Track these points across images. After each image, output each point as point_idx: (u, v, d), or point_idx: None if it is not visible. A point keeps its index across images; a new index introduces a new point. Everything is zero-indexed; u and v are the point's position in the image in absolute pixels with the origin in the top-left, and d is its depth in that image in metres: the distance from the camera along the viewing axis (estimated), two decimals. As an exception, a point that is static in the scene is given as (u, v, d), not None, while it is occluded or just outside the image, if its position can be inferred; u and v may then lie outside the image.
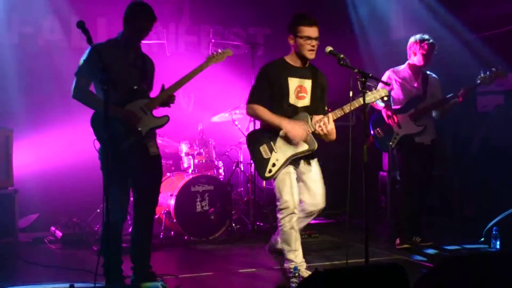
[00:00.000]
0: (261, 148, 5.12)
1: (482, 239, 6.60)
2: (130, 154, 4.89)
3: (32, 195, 7.44)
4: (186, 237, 7.02)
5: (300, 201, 5.20)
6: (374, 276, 3.49)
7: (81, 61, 4.97)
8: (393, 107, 6.71)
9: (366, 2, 9.22)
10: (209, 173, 7.44)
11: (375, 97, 5.12)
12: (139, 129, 4.93)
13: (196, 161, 7.43)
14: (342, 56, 4.81)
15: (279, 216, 5.17)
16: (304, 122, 5.11)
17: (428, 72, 6.77)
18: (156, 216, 7.26)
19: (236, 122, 7.96)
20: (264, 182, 7.99)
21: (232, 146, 8.19)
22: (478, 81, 6.48)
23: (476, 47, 7.96)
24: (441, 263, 3.73)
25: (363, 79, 4.55)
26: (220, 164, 7.85)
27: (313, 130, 5.09)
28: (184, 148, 7.59)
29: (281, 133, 5.08)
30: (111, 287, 4.63)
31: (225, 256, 6.56)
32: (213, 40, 8.38)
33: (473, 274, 3.59)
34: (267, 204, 8.10)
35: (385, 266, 3.83)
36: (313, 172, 5.24)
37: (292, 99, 5.15)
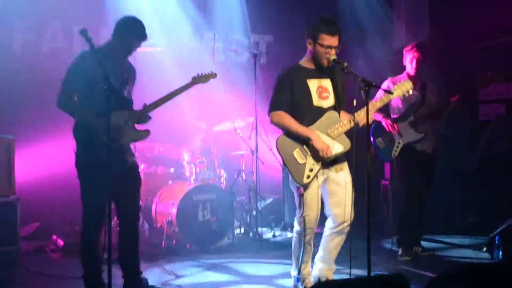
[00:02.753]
0: (294, 153, 4.90)
1: (485, 248, 6.58)
2: (109, 163, 4.88)
3: (34, 203, 7.42)
4: (188, 246, 7.00)
5: (330, 215, 5.05)
6: (377, 287, 3.48)
7: (68, 69, 4.97)
8: (392, 116, 6.71)
9: (369, 9, 9.24)
10: (211, 182, 7.42)
11: (402, 90, 5.03)
12: (122, 142, 4.94)
13: (198, 169, 7.42)
14: (346, 64, 4.76)
15: (297, 226, 5.03)
16: (334, 127, 4.93)
17: (426, 81, 6.78)
18: (158, 225, 7.28)
19: (239, 131, 7.95)
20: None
21: (234, 154, 8.17)
22: (477, 80, 6.48)
23: (480, 56, 7.98)
24: (443, 274, 3.71)
25: (367, 88, 4.51)
26: (223, 172, 7.84)
27: (346, 129, 4.92)
28: (186, 156, 7.58)
29: (311, 142, 4.87)
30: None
31: (228, 265, 6.54)
32: (216, 47, 8.39)
33: (475, 284, 3.57)
34: (269, 213, 8.09)
35: (388, 277, 3.82)
36: (344, 181, 5.02)
37: (316, 101, 4.97)
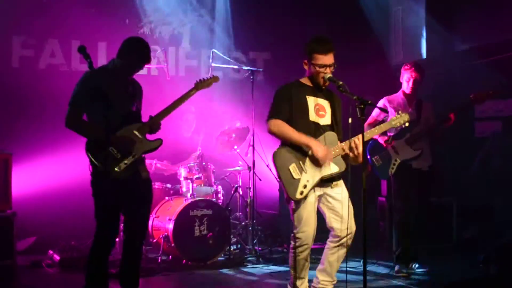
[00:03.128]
0: (290, 167, 4.91)
1: (481, 264, 6.58)
2: (123, 178, 4.91)
3: (30, 218, 7.43)
4: (184, 262, 6.99)
5: (331, 229, 5.06)
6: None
7: (75, 90, 4.98)
8: (389, 134, 6.73)
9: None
10: (207, 198, 7.43)
11: (400, 122, 5.07)
12: (133, 153, 4.95)
13: (195, 185, 7.42)
14: (341, 83, 4.80)
15: (293, 243, 5.00)
16: (331, 149, 4.96)
17: (421, 99, 6.82)
18: (154, 240, 7.28)
19: (235, 147, 7.97)
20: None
21: (231, 170, 8.19)
22: (471, 96, 6.50)
23: (479, 71, 8.02)
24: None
25: (362, 106, 4.53)
26: (219, 188, 7.85)
27: (342, 152, 4.94)
28: (183, 172, 7.59)
29: (310, 152, 4.89)
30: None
31: (224, 280, 6.55)
32: (213, 65, 8.44)
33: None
34: (265, 228, 8.09)
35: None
36: (341, 195, 5.05)
37: (313, 117, 5.01)
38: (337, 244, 5.03)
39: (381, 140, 6.66)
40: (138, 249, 5.22)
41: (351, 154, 4.87)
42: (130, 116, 5.08)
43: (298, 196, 4.87)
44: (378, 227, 8.27)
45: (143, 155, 5.17)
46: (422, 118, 6.69)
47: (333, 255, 5.07)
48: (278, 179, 5.00)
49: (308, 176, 4.90)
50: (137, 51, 5.05)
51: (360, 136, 4.82)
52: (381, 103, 6.69)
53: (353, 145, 4.84)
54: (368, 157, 6.80)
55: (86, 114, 5.00)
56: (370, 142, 6.79)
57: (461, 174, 8.34)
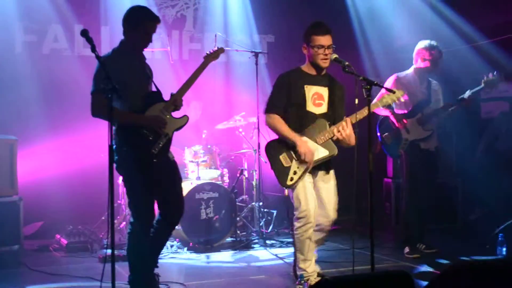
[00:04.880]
0: (281, 157, 5.12)
1: (488, 246, 6.59)
2: (158, 160, 4.87)
3: (37, 203, 7.45)
4: (191, 244, 7.01)
5: None
6: (381, 283, 3.48)
7: (94, 78, 4.87)
8: (398, 111, 6.70)
9: (368, 9, 9.24)
10: (213, 181, 7.43)
11: (392, 99, 5.10)
12: (166, 132, 4.92)
13: (200, 168, 7.42)
14: (347, 63, 4.80)
15: (297, 224, 5.12)
16: (321, 134, 5.10)
17: (430, 79, 6.79)
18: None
19: (240, 130, 7.96)
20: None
21: (236, 153, 8.18)
22: (483, 84, 6.48)
23: (486, 52, 7.97)
24: (446, 271, 3.71)
25: (368, 87, 4.52)
26: (225, 171, 7.85)
27: (331, 136, 5.07)
28: (188, 155, 7.59)
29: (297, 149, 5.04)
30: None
31: (231, 263, 6.57)
32: (216, 48, 8.37)
33: (479, 281, 3.57)
34: (271, 211, 8.10)
35: (392, 274, 3.80)
36: (329, 183, 5.23)
37: (310, 107, 5.14)
38: (317, 228, 5.21)
39: (393, 118, 6.63)
40: (171, 231, 5.27)
41: (340, 137, 5.03)
42: (152, 96, 5.03)
43: (288, 182, 5.08)
44: (383, 208, 8.27)
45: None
46: (432, 99, 6.67)
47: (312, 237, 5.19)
48: (271, 169, 5.18)
49: (298, 163, 5.07)
50: (144, 15, 4.97)
51: (348, 119, 5.04)
52: (391, 79, 6.66)
53: (340, 128, 5.02)
54: (378, 134, 6.78)
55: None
56: (380, 119, 6.77)
57: (467, 155, 8.32)
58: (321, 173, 5.21)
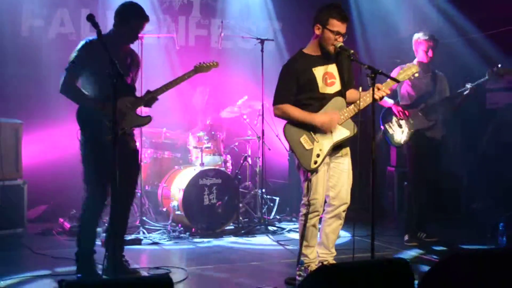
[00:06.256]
0: (301, 139, 4.91)
1: (489, 235, 6.60)
2: (113, 147, 4.93)
3: (41, 186, 7.48)
4: (193, 230, 7.04)
5: (326, 197, 5.08)
6: (379, 271, 3.50)
7: (72, 56, 5.03)
8: (402, 103, 6.72)
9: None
10: (217, 167, 7.46)
11: (408, 74, 5.05)
12: (122, 126, 5.00)
13: (204, 154, 7.45)
14: (352, 51, 4.75)
15: (303, 210, 5.02)
16: (339, 110, 4.94)
17: (436, 70, 6.80)
18: (164, 209, 7.35)
19: (245, 116, 7.98)
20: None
21: (240, 140, 8.20)
22: (487, 76, 6.48)
23: (485, 45, 7.95)
24: (446, 259, 3.72)
25: (373, 75, 4.50)
26: (228, 157, 7.88)
27: (354, 113, 4.91)
28: (192, 141, 7.61)
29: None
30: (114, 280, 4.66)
31: (232, 248, 6.60)
32: (223, 34, 8.40)
33: (478, 270, 3.58)
34: (273, 197, 8.13)
35: (390, 261, 3.84)
36: (344, 164, 5.07)
37: (323, 88, 4.95)
38: (332, 215, 5.07)
39: (395, 109, 6.64)
40: (124, 215, 5.31)
41: (377, 97, 4.77)
42: (125, 88, 5.05)
43: (312, 166, 4.89)
44: (386, 196, 8.28)
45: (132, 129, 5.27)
46: (436, 90, 6.68)
47: (329, 227, 5.11)
48: (292, 152, 5.01)
49: (320, 144, 4.92)
50: (135, 13, 5.06)
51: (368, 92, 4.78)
52: (395, 72, 6.65)
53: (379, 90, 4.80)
54: (381, 125, 6.79)
55: (82, 81, 5.06)
56: (383, 110, 6.78)
57: (471, 145, 8.32)
58: (337, 154, 5.05)
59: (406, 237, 6.69)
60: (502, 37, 7.75)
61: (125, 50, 5.18)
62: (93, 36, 5.03)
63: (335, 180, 5.04)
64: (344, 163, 5.07)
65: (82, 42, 5.08)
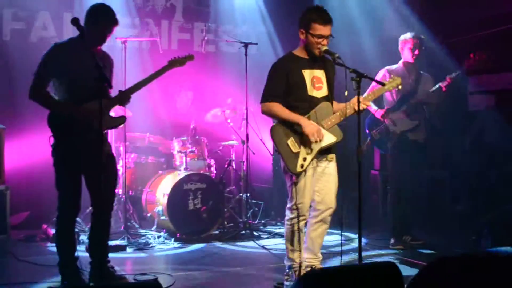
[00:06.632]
0: (289, 141, 4.88)
1: (474, 237, 6.63)
2: (85, 151, 4.89)
3: (24, 192, 7.42)
4: (178, 235, 7.00)
5: (312, 202, 5.05)
6: (368, 275, 3.50)
7: (41, 61, 4.98)
8: (387, 106, 6.75)
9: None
10: (201, 171, 7.43)
11: (393, 85, 5.06)
12: (96, 128, 4.92)
13: (188, 159, 7.42)
14: (337, 55, 4.75)
15: (289, 214, 4.99)
16: (328, 118, 4.94)
17: (421, 71, 6.83)
18: (148, 214, 7.31)
19: (229, 121, 7.95)
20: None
21: (224, 144, 8.18)
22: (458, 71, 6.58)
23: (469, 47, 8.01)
24: (433, 263, 3.73)
25: (358, 79, 4.51)
26: (212, 162, 7.85)
27: (340, 120, 4.90)
28: (176, 146, 7.58)
29: (301, 130, 4.86)
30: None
31: (218, 253, 6.58)
32: (206, 38, 8.38)
33: (465, 274, 3.60)
34: (258, 202, 8.12)
35: (379, 265, 3.83)
36: (331, 170, 5.05)
37: (310, 91, 4.94)
38: (318, 219, 5.05)
39: (378, 114, 6.68)
40: (104, 220, 5.24)
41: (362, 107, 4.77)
42: (97, 90, 4.91)
43: (298, 169, 4.87)
44: (370, 200, 8.31)
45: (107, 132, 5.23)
46: (420, 89, 6.70)
47: (314, 231, 5.09)
48: (278, 154, 4.97)
49: (307, 148, 4.89)
50: (105, 16, 5.00)
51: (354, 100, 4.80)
52: (381, 73, 6.69)
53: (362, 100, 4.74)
54: (367, 131, 6.81)
55: (52, 85, 5.01)
56: (368, 116, 6.81)
57: (454, 148, 8.38)
58: (323, 159, 5.02)
59: (392, 240, 6.72)
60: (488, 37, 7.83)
61: (96, 52, 5.07)
62: (62, 39, 5.01)
63: (321, 184, 5.02)
64: (329, 167, 5.05)
65: (50, 46, 5.03)
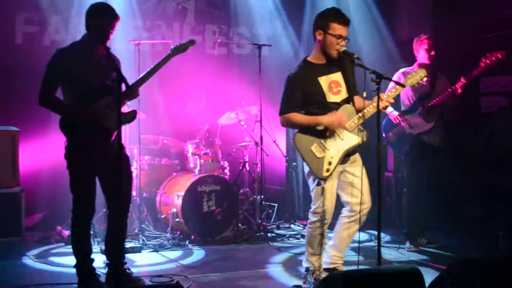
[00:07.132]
0: (312, 148, 4.88)
1: (490, 240, 6.61)
2: (100, 153, 4.93)
3: (38, 194, 7.44)
4: (192, 237, 7.00)
5: (347, 204, 5.04)
6: (391, 280, 3.50)
7: (47, 68, 4.99)
8: (403, 109, 6.73)
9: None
10: (215, 173, 7.43)
11: (416, 79, 4.96)
12: (108, 126, 4.93)
13: (202, 161, 7.42)
14: (356, 56, 4.73)
15: (312, 218, 4.99)
16: (351, 121, 4.91)
17: (437, 72, 6.80)
18: (163, 216, 7.31)
19: (243, 123, 7.95)
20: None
21: (238, 146, 8.17)
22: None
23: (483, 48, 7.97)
24: (454, 265, 3.72)
25: (378, 80, 4.48)
26: (226, 164, 7.84)
27: (362, 120, 4.88)
28: (190, 148, 7.58)
29: (321, 127, 4.86)
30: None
31: (233, 255, 6.58)
32: (218, 40, 8.38)
33: (483, 276, 3.58)
34: (272, 204, 8.11)
35: (401, 270, 3.82)
36: (359, 169, 5.01)
37: (330, 97, 4.93)
38: (351, 219, 5.02)
39: (392, 117, 6.66)
40: (120, 222, 5.20)
41: (388, 103, 4.80)
42: (104, 90, 5.00)
43: (325, 174, 4.86)
44: (384, 202, 8.28)
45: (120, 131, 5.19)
46: (436, 91, 6.67)
47: (345, 231, 5.06)
48: (303, 161, 4.96)
49: (332, 152, 4.88)
50: (104, 12, 5.00)
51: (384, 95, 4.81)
52: (396, 76, 6.65)
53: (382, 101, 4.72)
54: (383, 134, 6.79)
55: (61, 90, 5.02)
56: (385, 120, 6.78)
57: (467, 150, 8.34)
58: (349, 161, 5.00)
59: (407, 243, 6.70)
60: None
61: (100, 53, 5.04)
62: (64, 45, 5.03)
63: (355, 187, 4.99)
64: (356, 169, 5.02)
65: (54, 52, 5.05)
